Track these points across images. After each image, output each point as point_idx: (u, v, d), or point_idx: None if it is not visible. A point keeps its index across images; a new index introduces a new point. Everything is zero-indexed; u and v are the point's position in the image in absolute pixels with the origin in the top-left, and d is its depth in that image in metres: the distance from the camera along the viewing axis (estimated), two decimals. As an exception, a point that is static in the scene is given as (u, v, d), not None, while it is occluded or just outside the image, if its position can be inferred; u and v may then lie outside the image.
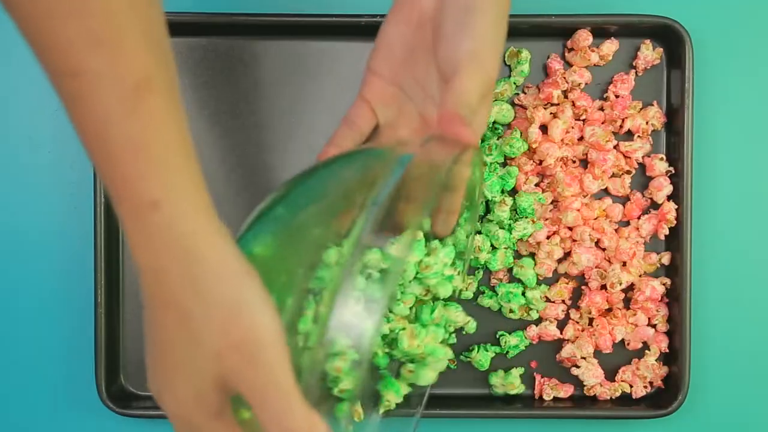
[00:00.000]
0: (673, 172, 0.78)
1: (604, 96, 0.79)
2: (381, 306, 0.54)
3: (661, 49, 0.79)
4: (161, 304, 0.52)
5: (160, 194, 0.50)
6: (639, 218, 0.79)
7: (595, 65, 0.80)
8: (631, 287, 0.79)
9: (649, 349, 0.79)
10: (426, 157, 0.58)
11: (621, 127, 0.79)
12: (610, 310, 0.79)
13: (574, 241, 0.79)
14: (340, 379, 0.61)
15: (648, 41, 0.79)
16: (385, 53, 0.66)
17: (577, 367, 0.79)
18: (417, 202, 0.57)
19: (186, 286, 0.51)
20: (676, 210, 0.78)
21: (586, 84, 0.79)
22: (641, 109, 0.79)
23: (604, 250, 0.79)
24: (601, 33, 0.79)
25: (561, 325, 0.80)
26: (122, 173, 0.49)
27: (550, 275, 0.79)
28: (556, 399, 0.79)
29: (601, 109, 0.79)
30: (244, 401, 0.52)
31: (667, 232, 0.79)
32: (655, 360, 0.79)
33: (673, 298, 0.78)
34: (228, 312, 0.51)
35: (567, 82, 0.79)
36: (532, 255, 0.79)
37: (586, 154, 0.79)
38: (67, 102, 0.49)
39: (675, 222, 0.78)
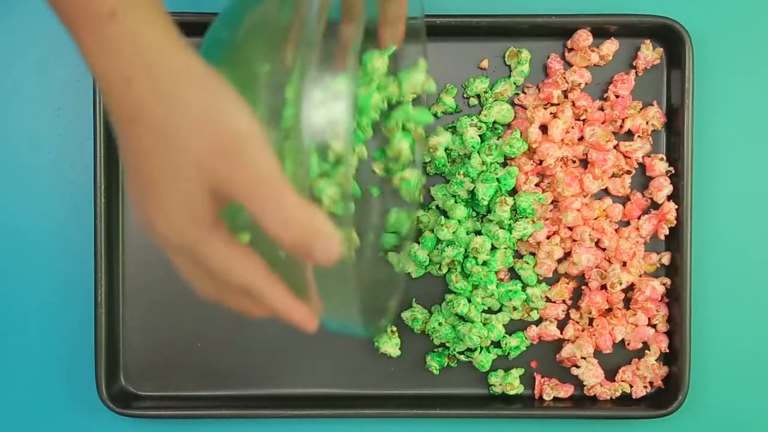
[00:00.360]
0: (673, 172, 0.78)
1: (604, 96, 0.79)
2: (350, 90, 0.54)
3: (661, 49, 0.79)
4: (133, 121, 0.51)
5: (117, 4, 0.50)
6: (639, 218, 0.79)
7: (595, 65, 0.80)
8: (631, 287, 0.79)
9: (649, 349, 0.79)
10: None
11: (621, 127, 0.79)
12: (610, 310, 0.79)
13: (574, 241, 0.79)
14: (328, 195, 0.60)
15: (648, 41, 0.79)
16: None
17: (577, 367, 0.79)
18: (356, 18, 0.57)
19: (156, 96, 0.50)
20: (676, 210, 0.78)
21: (586, 84, 0.79)
22: (641, 109, 0.79)
23: (604, 250, 0.79)
24: (601, 33, 0.79)
25: (561, 325, 0.80)
26: None
27: (550, 275, 0.79)
28: (556, 399, 0.79)
29: (601, 109, 0.79)
30: (241, 222, 0.51)
31: (667, 232, 0.79)
32: (655, 360, 0.79)
33: (673, 298, 0.78)
34: (204, 116, 0.50)
35: (567, 82, 0.79)
36: (533, 255, 0.79)
37: (586, 154, 0.79)
38: None
39: (675, 222, 0.78)
